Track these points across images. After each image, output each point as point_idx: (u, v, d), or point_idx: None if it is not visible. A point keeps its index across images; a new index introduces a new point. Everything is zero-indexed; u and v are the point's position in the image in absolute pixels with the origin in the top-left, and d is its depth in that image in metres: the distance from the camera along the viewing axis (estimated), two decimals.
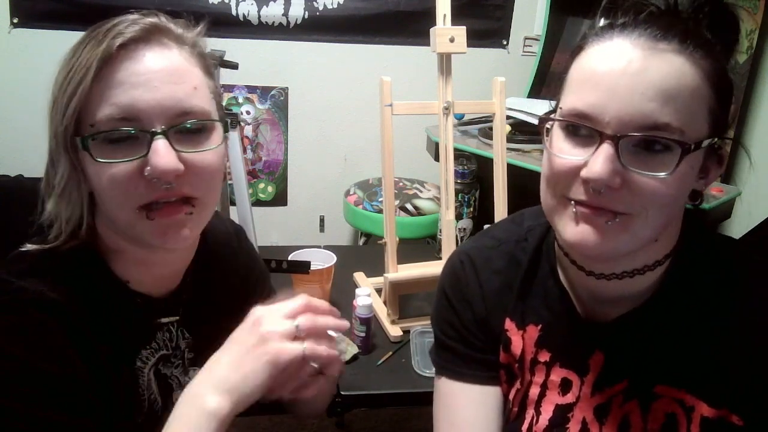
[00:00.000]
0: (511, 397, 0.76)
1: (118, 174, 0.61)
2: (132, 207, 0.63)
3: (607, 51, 0.58)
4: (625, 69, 0.56)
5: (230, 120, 0.72)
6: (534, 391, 0.74)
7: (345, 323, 0.69)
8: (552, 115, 0.64)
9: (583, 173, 0.58)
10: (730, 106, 0.60)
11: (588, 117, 0.58)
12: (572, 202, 0.60)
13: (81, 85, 0.59)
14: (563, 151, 0.60)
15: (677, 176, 0.57)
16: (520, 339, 0.75)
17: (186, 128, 0.63)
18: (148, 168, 0.61)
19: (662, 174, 0.56)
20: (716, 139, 0.60)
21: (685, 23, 0.58)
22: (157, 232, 0.64)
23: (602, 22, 0.62)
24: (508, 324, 0.76)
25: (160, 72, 0.62)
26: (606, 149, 0.56)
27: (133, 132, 0.61)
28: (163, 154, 0.60)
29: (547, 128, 0.64)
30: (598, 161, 0.56)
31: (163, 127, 0.61)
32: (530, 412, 0.74)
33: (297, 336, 0.64)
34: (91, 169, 0.62)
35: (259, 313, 0.66)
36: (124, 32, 0.61)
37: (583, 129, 0.59)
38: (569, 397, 0.71)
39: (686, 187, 0.61)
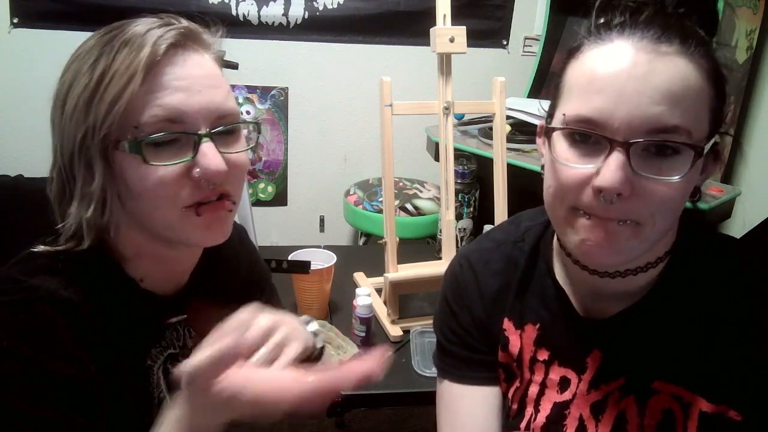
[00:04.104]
0: (510, 395, 0.77)
1: (167, 176, 0.62)
2: (177, 207, 0.64)
3: (609, 53, 0.56)
4: (630, 72, 0.54)
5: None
6: (533, 390, 0.74)
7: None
8: (552, 121, 0.63)
9: (596, 182, 0.56)
10: (725, 100, 0.60)
11: (595, 123, 0.56)
12: (581, 212, 0.59)
13: (127, 89, 0.59)
14: (570, 161, 0.58)
15: (686, 179, 0.56)
16: (518, 338, 0.76)
17: (226, 130, 0.66)
18: (197, 170, 0.63)
19: (675, 178, 0.55)
20: (716, 136, 0.60)
21: (681, 21, 0.57)
22: (203, 228, 0.66)
23: (598, 21, 0.60)
24: (506, 323, 0.76)
25: (200, 77, 0.64)
26: (617, 156, 0.54)
27: (178, 134, 0.62)
28: (212, 156, 0.63)
29: (545, 135, 0.63)
30: (610, 169, 0.54)
31: (207, 129, 0.63)
32: (529, 410, 0.74)
33: None
34: (135, 171, 0.62)
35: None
36: (165, 37, 0.62)
37: (591, 136, 0.57)
38: (567, 395, 0.72)
39: (691, 188, 0.60)
